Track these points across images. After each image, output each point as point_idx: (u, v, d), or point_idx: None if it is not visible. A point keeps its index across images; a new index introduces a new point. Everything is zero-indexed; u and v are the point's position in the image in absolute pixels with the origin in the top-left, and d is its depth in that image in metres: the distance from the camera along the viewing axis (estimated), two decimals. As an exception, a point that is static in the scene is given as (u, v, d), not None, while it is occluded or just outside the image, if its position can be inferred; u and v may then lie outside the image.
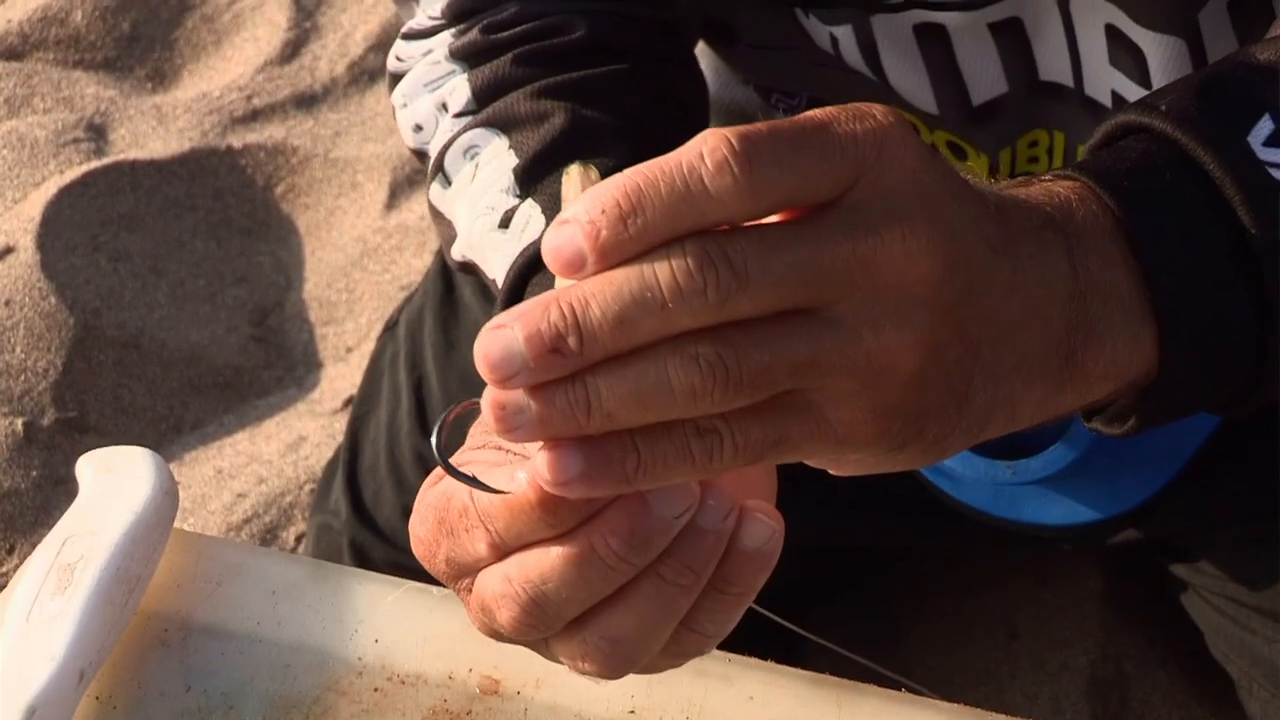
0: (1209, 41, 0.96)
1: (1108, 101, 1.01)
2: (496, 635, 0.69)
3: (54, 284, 1.93)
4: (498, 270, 0.95)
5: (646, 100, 1.02)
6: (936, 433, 0.65)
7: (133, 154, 2.14)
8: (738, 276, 0.58)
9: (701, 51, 1.18)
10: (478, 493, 0.64)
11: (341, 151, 2.16)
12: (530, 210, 0.94)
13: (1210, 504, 1.11)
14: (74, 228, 2.03)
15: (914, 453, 0.65)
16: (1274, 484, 1.06)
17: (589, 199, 0.58)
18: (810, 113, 0.61)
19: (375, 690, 0.84)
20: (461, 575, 0.68)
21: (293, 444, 1.80)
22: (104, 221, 2.05)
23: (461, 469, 0.66)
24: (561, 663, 0.70)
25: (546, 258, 0.59)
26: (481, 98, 1.00)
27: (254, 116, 2.22)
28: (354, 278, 2.01)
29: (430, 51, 1.04)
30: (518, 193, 0.95)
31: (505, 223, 0.95)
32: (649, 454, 0.59)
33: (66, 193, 2.05)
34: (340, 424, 1.79)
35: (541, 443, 0.59)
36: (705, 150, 0.58)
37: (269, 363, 1.94)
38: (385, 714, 0.83)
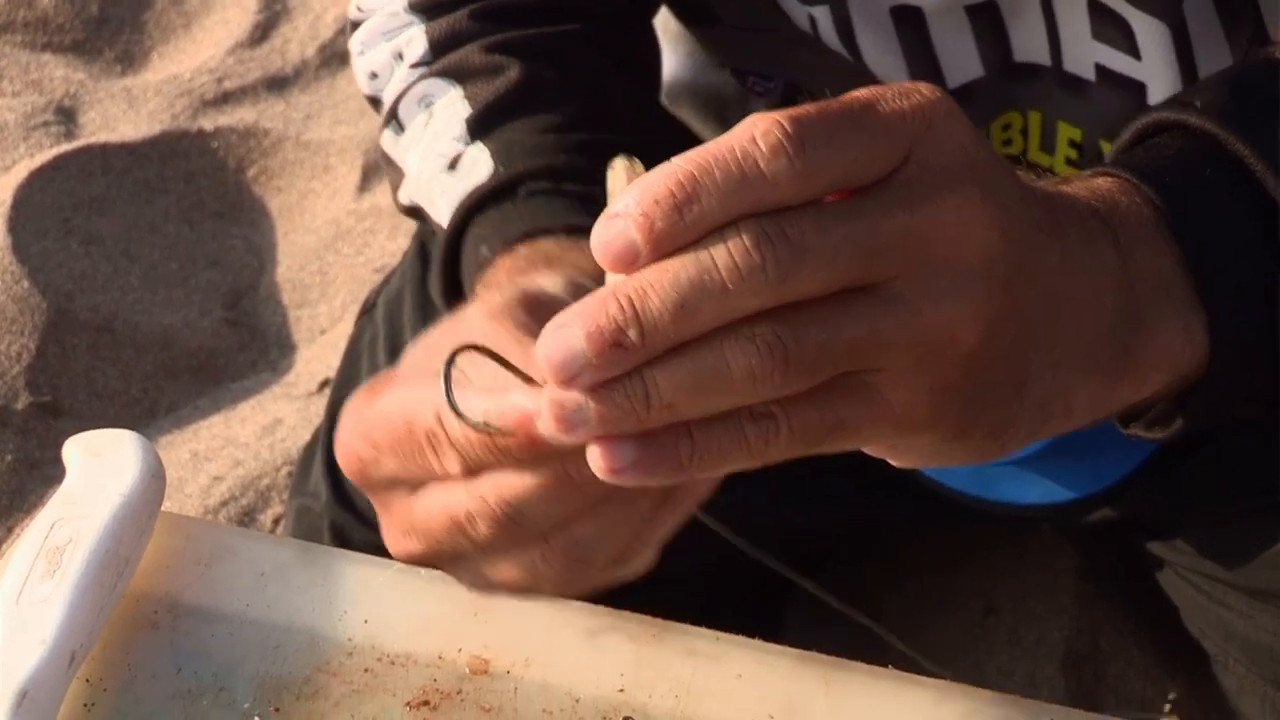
0: (1193, 29, 0.97)
1: (1090, 75, 1.01)
2: (414, 558, 0.70)
3: (26, 268, 1.93)
4: (443, 212, 0.95)
5: (600, 60, 1.02)
6: (995, 419, 0.65)
7: (103, 137, 2.13)
8: (796, 252, 0.57)
9: (677, 36, 1.19)
10: (450, 420, 0.63)
11: (313, 134, 2.16)
12: (478, 153, 0.95)
13: (1186, 482, 1.12)
14: (45, 211, 2.02)
15: (974, 441, 0.65)
16: (1247, 462, 1.07)
17: (640, 189, 0.58)
18: (855, 93, 0.61)
19: (365, 671, 0.85)
20: (404, 486, 0.68)
21: (268, 426, 1.80)
22: (75, 205, 2.04)
23: (401, 383, 0.67)
24: (501, 583, 0.69)
25: (597, 253, 0.58)
26: (438, 49, 1.01)
27: (225, 99, 2.21)
28: (327, 260, 2.01)
29: (390, 2, 1.05)
30: (468, 140, 0.96)
31: (453, 165, 0.96)
32: (703, 441, 0.59)
33: (37, 176, 2.05)
34: (315, 407, 1.79)
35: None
36: (758, 134, 0.58)
37: (243, 346, 1.93)
38: (375, 694, 0.84)
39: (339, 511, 1.27)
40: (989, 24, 1.00)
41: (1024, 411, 0.66)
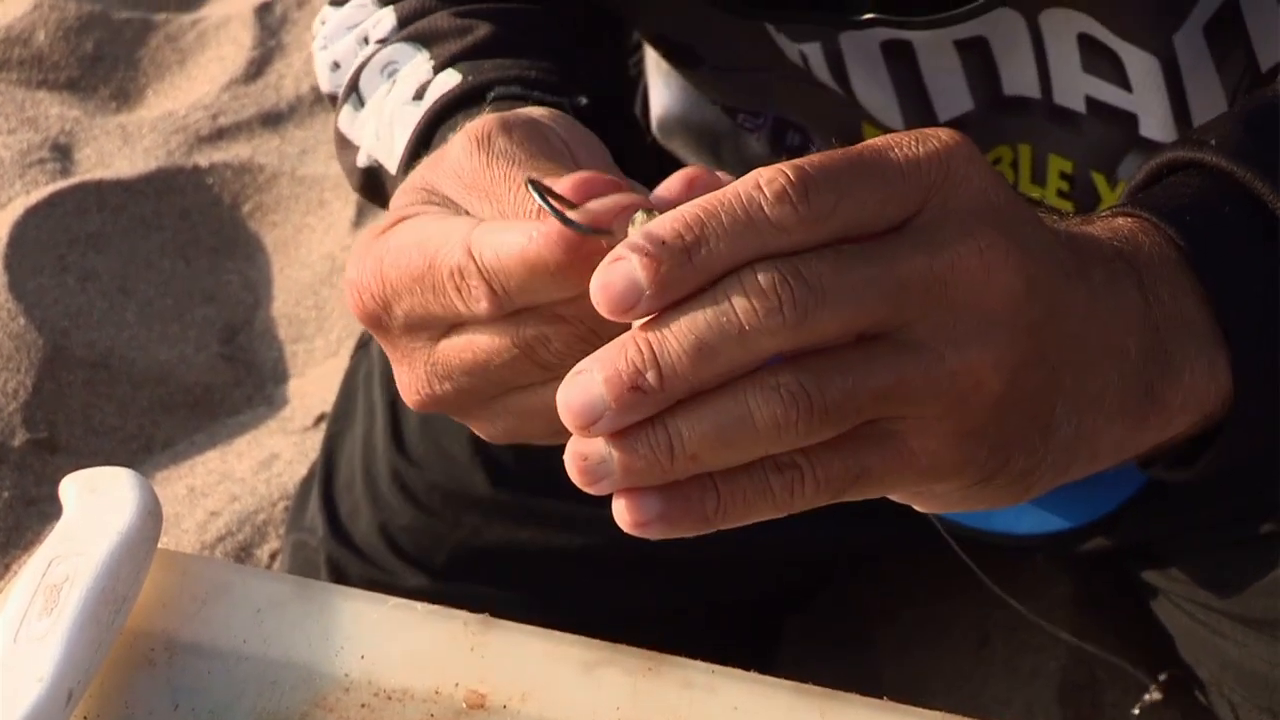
0: (1183, 62, 0.98)
1: (1081, 108, 1.02)
2: (428, 403, 0.69)
3: (22, 304, 1.93)
4: (401, 145, 0.91)
5: (571, 32, 1.01)
6: (1023, 465, 0.64)
7: (99, 174, 2.14)
8: (814, 292, 0.57)
9: (669, 71, 1.19)
10: (485, 251, 0.62)
11: (308, 169, 2.16)
12: (446, 77, 0.92)
13: (1180, 511, 1.12)
14: (41, 248, 2.02)
15: (1000, 487, 0.64)
16: (1241, 490, 1.07)
17: (644, 233, 0.57)
18: (871, 140, 0.61)
19: (362, 706, 0.85)
20: (423, 329, 0.67)
21: (265, 461, 1.80)
22: (71, 241, 2.04)
23: (414, 218, 0.66)
24: (517, 429, 0.69)
25: (596, 295, 0.57)
26: (406, 24, 0.99)
27: (220, 135, 2.22)
28: (322, 295, 2.02)
29: None
30: (433, 74, 0.93)
31: (419, 95, 0.93)
32: (729, 492, 0.59)
33: (33, 213, 2.05)
34: (311, 441, 1.80)
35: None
36: (762, 181, 0.58)
37: (239, 380, 1.94)
38: (372, 729, 0.84)
39: (335, 547, 1.27)
40: (979, 58, 1.01)
41: (1049, 456, 0.65)
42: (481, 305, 0.63)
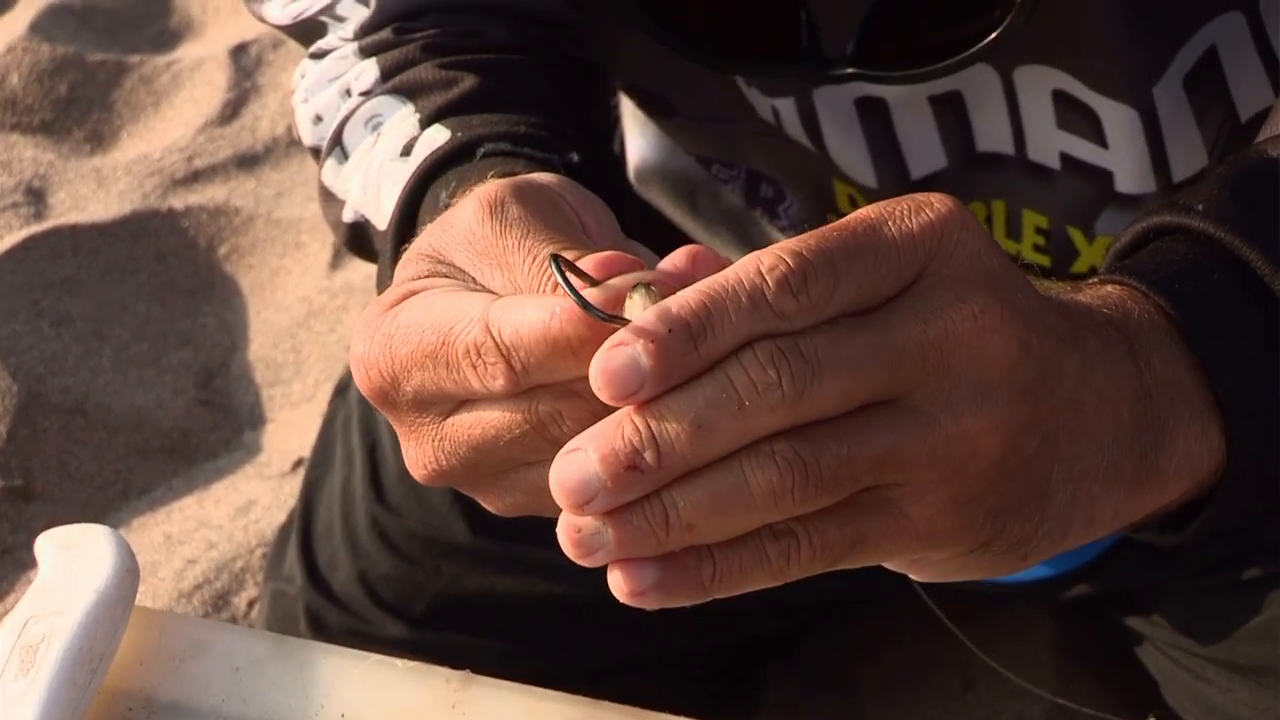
0: (1163, 116, 0.98)
1: (1055, 164, 1.02)
2: (445, 477, 0.69)
3: (-4, 350, 1.92)
4: (390, 202, 0.91)
5: (557, 82, 1.01)
6: (1019, 532, 0.64)
7: (73, 217, 2.13)
8: (810, 365, 0.57)
9: (646, 120, 1.19)
10: (504, 328, 0.62)
11: (284, 211, 2.15)
12: (434, 132, 0.91)
13: (1162, 558, 1.12)
14: (15, 293, 2.02)
15: (997, 554, 0.64)
16: (1223, 537, 1.07)
17: (651, 318, 0.58)
18: (864, 211, 0.61)
19: (343, 765, 0.84)
20: (432, 405, 0.67)
21: (242, 508, 1.79)
22: (45, 286, 2.04)
23: (424, 293, 0.66)
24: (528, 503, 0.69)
25: (596, 380, 0.57)
26: (389, 76, 0.98)
27: (195, 177, 2.21)
28: (300, 338, 2.01)
29: (338, 49, 1.02)
30: (421, 128, 0.93)
31: (407, 150, 0.92)
32: (725, 562, 0.59)
33: (7, 258, 2.04)
34: (289, 487, 1.79)
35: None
36: (764, 269, 0.58)
37: (216, 425, 1.93)
38: (353, 789, 0.83)
39: (314, 596, 1.27)
40: (953, 114, 1.01)
41: (1046, 523, 0.65)
42: (498, 382, 0.63)
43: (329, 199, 0.99)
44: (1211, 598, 1.12)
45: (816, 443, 0.58)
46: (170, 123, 2.32)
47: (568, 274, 0.61)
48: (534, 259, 0.66)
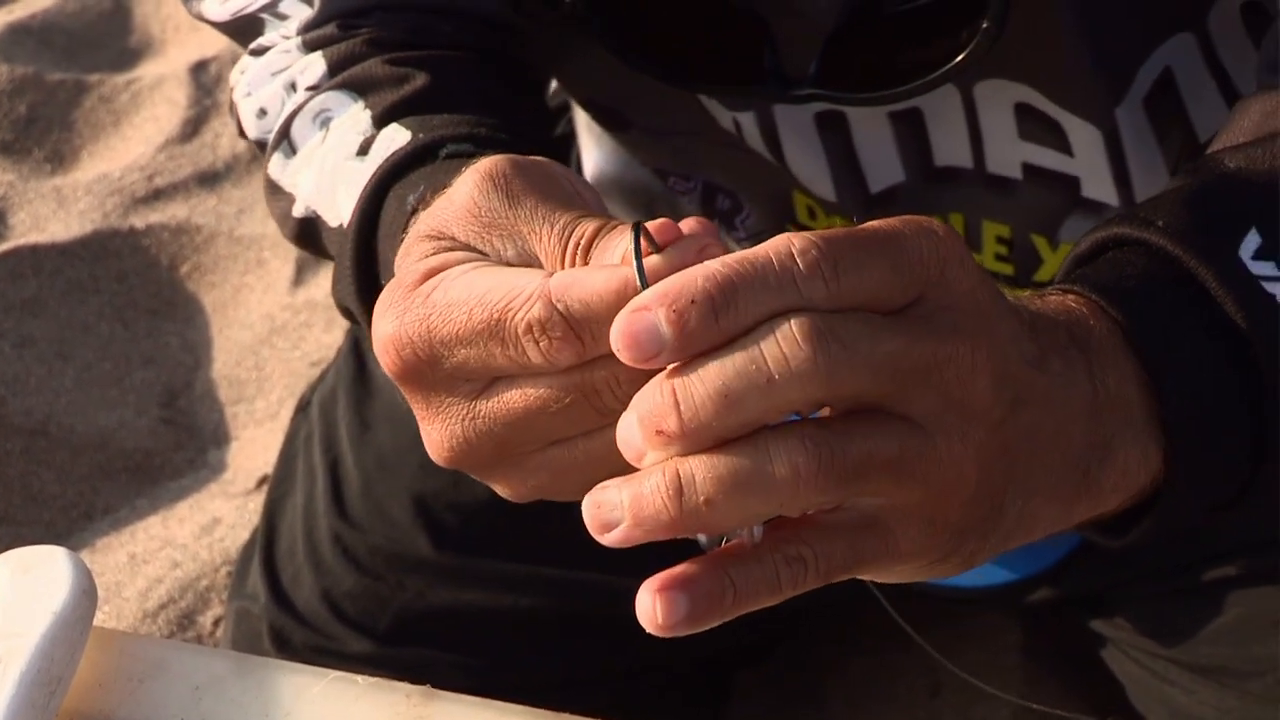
0: (1126, 137, 0.98)
1: (1017, 174, 1.02)
2: (471, 456, 0.69)
3: (-42, 373, 1.91)
4: (347, 205, 0.90)
5: (505, 81, 1.01)
6: (973, 547, 0.66)
7: (33, 238, 2.12)
8: (847, 350, 0.58)
9: (600, 133, 1.19)
10: (572, 304, 0.63)
11: (246, 229, 2.15)
12: (394, 132, 0.91)
13: (1124, 561, 1.13)
14: (-24, 314, 2.01)
15: (948, 566, 0.66)
16: (1184, 540, 1.08)
17: (675, 287, 0.58)
18: (877, 223, 0.62)
19: (304, 783, 0.84)
20: (467, 381, 0.67)
21: (207, 526, 1.78)
22: (6, 307, 2.03)
23: (459, 272, 0.67)
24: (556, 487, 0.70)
25: (617, 340, 0.58)
26: (336, 70, 0.98)
27: (156, 196, 2.21)
28: (263, 355, 2.00)
29: (280, 44, 1.02)
30: (377, 127, 0.93)
31: (364, 150, 0.92)
32: (744, 586, 0.60)
33: (-32, 279, 2.04)
34: (254, 504, 1.78)
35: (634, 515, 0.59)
36: (796, 251, 0.59)
37: (180, 444, 1.92)
38: (315, 807, 0.83)
39: (278, 614, 1.26)
40: (911, 130, 1.01)
41: (995, 535, 0.67)
42: (565, 355, 0.64)
43: (276, 191, 0.98)
44: (1174, 600, 1.12)
45: (842, 435, 0.59)
46: (131, 141, 2.31)
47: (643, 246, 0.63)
48: (552, 227, 0.67)
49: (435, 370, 0.68)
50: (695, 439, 0.58)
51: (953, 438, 0.61)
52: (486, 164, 0.70)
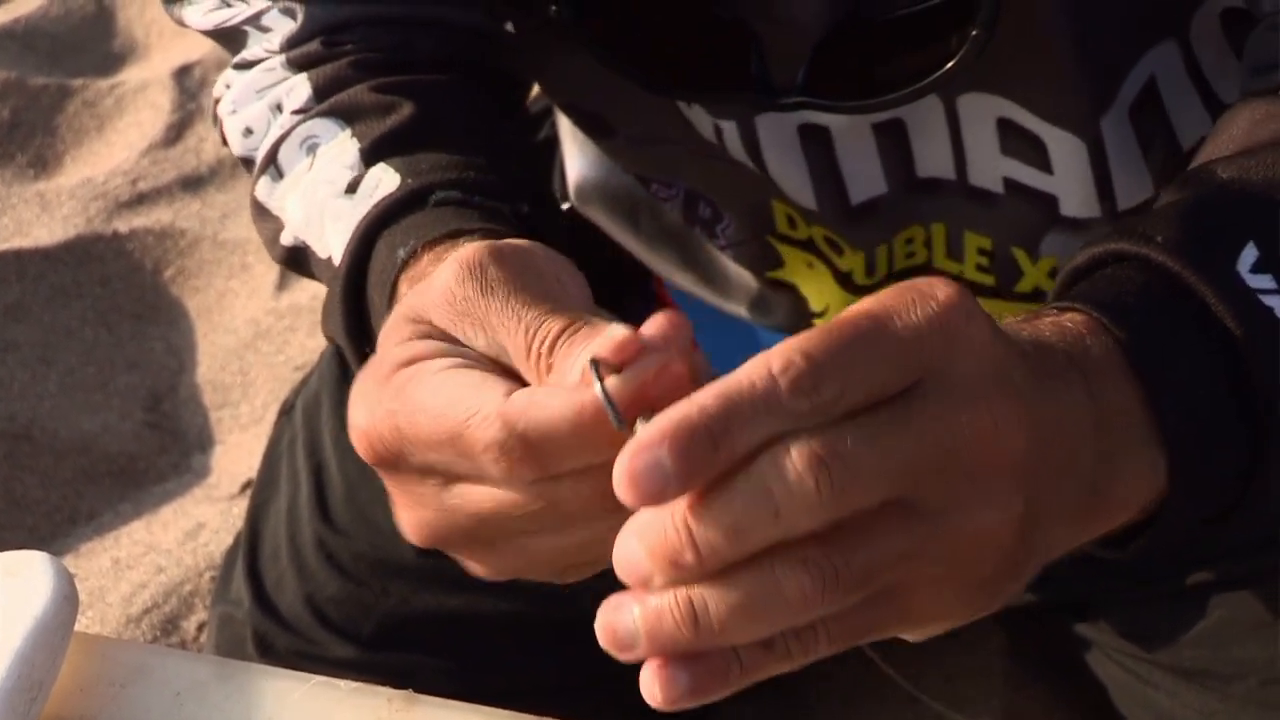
0: (1110, 147, 0.98)
1: (999, 189, 1.02)
2: (442, 542, 0.70)
3: (-59, 378, 1.91)
4: (336, 241, 0.91)
5: (487, 102, 1.02)
6: (1009, 589, 0.66)
7: (16, 242, 2.12)
8: (849, 470, 0.58)
9: (584, 139, 1.19)
10: (529, 429, 0.63)
11: (230, 233, 2.15)
12: (381, 172, 0.92)
13: (1107, 566, 1.12)
14: (-41, 320, 2.01)
15: (987, 609, 0.66)
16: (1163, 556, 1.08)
17: (672, 425, 0.58)
18: (869, 305, 0.61)
19: (286, 789, 0.84)
20: (438, 475, 0.68)
21: (191, 531, 1.78)
22: (-11, 312, 2.03)
23: (427, 375, 0.67)
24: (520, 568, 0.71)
25: (620, 483, 0.58)
26: (322, 94, 0.98)
27: (140, 200, 2.20)
28: (247, 360, 2.00)
29: (265, 61, 1.02)
30: (365, 165, 0.93)
31: (351, 189, 0.92)
32: (750, 659, 0.60)
33: (-49, 284, 2.03)
34: (238, 509, 1.78)
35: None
36: (776, 370, 0.59)
37: (164, 449, 1.92)
38: (297, 812, 0.83)
39: (261, 619, 1.26)
40: (894, 142, 1.01)
41: (1026, 571, 0.66)
42: (524, 473, 0.65)
43: (263, 214, 0.99)
44: (1157, 604, 1.12)
45: (845, 549, 0.59)
46: (114, 146, 2.31)
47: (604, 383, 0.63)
48: (519, 322, 0.67)
49: (403, 463, 0.69)
50: (709, 572, 0.59)
51: (979, 511, 0.61)
52: (466, 252, 0.70)
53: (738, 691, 1.10)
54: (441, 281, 0.70)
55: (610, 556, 0.61)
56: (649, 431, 0.58)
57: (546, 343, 0.67)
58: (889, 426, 0.59)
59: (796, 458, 0.58)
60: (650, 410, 0.61)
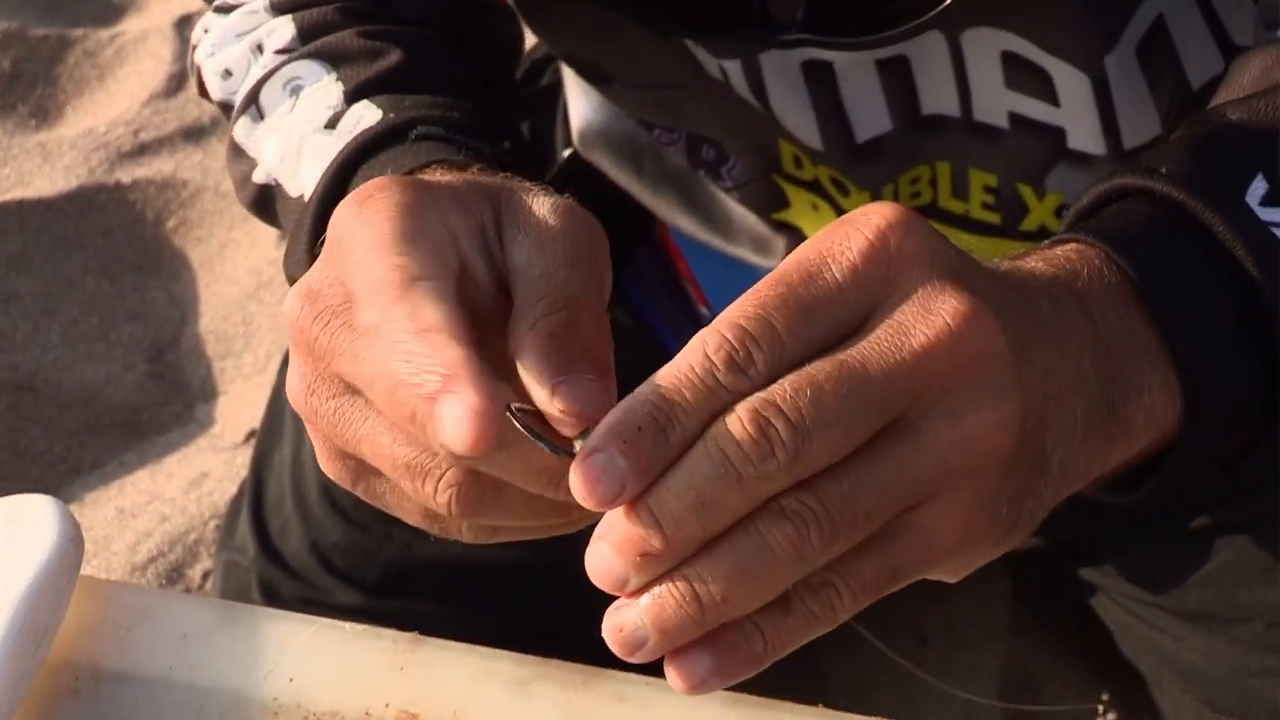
0: (1115, 84, 0.97)
1: (1004, 123, 1.02)
2: (344, 479, 0.70)
3: (-57, 329, 1.91)
4: (310, 176, 0.90)
5: (473, 58, 1.01)
6: (1033, 506, 0.64)
7: (18, 193, 2.12)
8: (798, 431, 0.57)
9: (587, 85, 1.18)
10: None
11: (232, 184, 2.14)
12: (363, 110, 0.91)
13: (1111, 509, 1.12)
14: (-40, 271, 2.00)
15: (1017, 533, 0.64)
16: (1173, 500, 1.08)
17: (618, 421, 0.58)
18: (802, 254, 0.61)
19: (292, 730, 0.84)
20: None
21: (195, 480, 1.78)
22: (-9, 263, 2.02)
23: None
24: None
25: (581, 492, 0.58)
26: (307, 36, 0.97)
27: (141, 151, 2.20)
28: (250, 310, 2.00)
29: (245, 4, 1.01)
30: (347, 102, 0.92)
31: (332, 124, 0.91)
32: (772, 629, 0.59)
33: (-48, 236, 2.03)
34: (242, 458, 1.78)
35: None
36: (710, 350, 0.59)
37: (167, 399, 1.92)
38: (303, 753, 0.83)
39: (266, 566, 1.26)
40: (898, 78, 1.00)
41: (1048, 490, 0.65)
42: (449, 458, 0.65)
43: (239, 155, 0.98)
44: (1162, 547, 1.12)
45: (817, 488, 0.58)
46: (115, 96, 2.30)
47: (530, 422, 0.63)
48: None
49: (321, 370, 0.67)
50: (681, 552, 0.58)
51: (961, 417, 0.60)
52: (378, 230, 0.68)
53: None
54: (352, 264, 0.68)
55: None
56: (598, 434, 0.58)
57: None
58: (841, 372, 0.58)
59: (746, 420, 0.57)
60: (586, 428, 0.62)
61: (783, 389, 0.58)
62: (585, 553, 0.59)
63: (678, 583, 0.58)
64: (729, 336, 0.59)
